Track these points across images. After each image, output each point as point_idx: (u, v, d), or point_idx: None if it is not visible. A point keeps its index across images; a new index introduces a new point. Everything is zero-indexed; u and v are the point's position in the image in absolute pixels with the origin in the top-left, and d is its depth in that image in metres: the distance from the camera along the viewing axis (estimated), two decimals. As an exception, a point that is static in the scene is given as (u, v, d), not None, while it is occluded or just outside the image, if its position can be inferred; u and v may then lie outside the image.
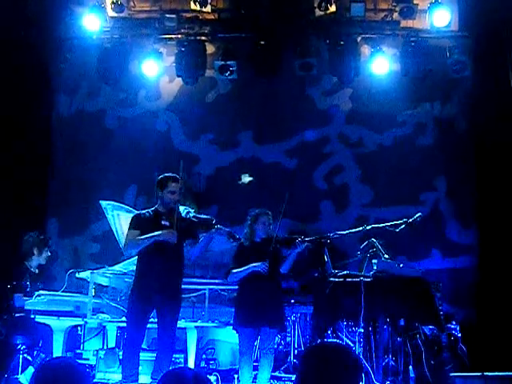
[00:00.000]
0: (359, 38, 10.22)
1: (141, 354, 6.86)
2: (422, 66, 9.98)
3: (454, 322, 8.41)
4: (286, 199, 7.21)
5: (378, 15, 10.21)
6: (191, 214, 6.95)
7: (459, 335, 8.19)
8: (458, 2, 10.06)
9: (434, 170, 10.38)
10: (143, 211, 7.06)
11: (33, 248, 8.29)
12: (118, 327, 8.04)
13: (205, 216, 6.97)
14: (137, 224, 6.87)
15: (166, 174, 6.94)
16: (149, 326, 6.92)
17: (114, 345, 8.15)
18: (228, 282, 7.34)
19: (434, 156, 10.41)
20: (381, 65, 10.11)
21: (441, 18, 9.86)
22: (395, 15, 10.00)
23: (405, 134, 10.54)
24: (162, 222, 6.78)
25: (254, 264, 6.93)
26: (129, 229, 6.94)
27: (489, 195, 9.80)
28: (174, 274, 6.81)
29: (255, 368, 7.19)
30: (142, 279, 6.72)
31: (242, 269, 7.00)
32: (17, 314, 7.73)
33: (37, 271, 8.38)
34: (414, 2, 9.84)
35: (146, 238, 6.69)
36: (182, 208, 7.04)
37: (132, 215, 7.20)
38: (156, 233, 6.69)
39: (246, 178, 10.45)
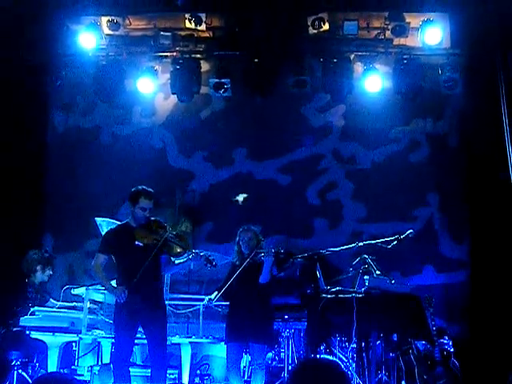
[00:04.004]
0: (352, 56, 10.31)
1: (134, 370, 6.91)
2: (415, 84, 10.09)
3: (446, 337, 8.44)
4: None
5: (371, 33, 10.30)
6: (172, 233, 6.89)
7: (452, 350, 8.23)
8: (450, 20, 10.15)
9: (426, 185, 10.45)
10: (115, 228, 7.06)
11: (36, 265, 8.38)
12: (113, 343, 8.06)
13: (181, 242, 6.92)
14: (107, 246, 6.87)
15: (139, 188, 6.86)
16: (142, 341, 6.97)
17: (108, 361, 8.17)
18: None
19: (427, 172, 10.48)
20: (374, 82, 10.21)
21: (433, 36, 9.99)
22: (388, 33, 10.12)
23: (398, 151, 10.61)
24: (136, 243, 6.72)
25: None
26: (98, 249, 6.94)
27: (481, 211, 9.85)
28: (154, 289, 6.82)
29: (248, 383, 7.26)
30: None
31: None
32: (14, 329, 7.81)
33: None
34: (407, 20, 9.96)
35: (102, 281, 6.96)
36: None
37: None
38: (109, 287, 6.80)
39: (240, 197, 10.49)
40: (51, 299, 8.29)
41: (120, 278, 6.81)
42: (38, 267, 8.40)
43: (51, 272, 8.56)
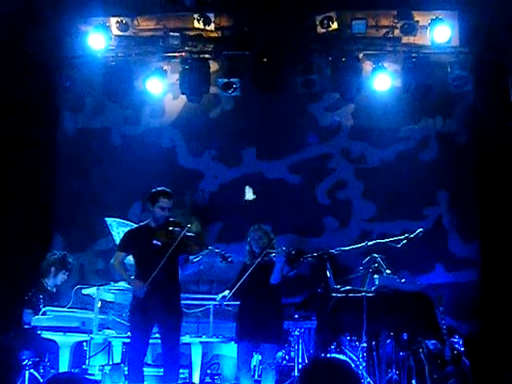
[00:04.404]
0: (361, 55, 10.29)
1: (145, 369, 6.93)
2: (424, 82, 10.03)
3: (457, 336, 8.43)
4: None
5: (380, 32, 10.26)
6: (188, 232, 6.95)
7: (462, 349, 8.22)
8: (459, 18, 10.11)
9: (436, 184, 10.42)
10: (135, 228, 7.17)
11: (51, 267, 8.44)
12: (124, 343, 8.10)
13: (198, 240, 7.02)
14: (126, 245, 7.01)
15: (158, 189, 7.01)
16: (153, 341, 6.99)
17: (119, 360, 8.20)
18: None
19: (437, 170, 10.44)
20: (382, 81, 10.16)
21: (441, 34, 9.92)
22: (396, 32, 10.07)
23: (407, 149, 10.58)
24: (154, 242, 6.83)
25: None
26: (117, 248, 7.06)
27: (491, 209, 9.83)
28: (171, 289, 6.86)
29: (258, 383, 7.27)
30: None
31: None
32: (25, 326, 7.86)
33: (54, 290, 8.52)
34: (415, 18, 9.91)
35: (122, 276, 7.03)
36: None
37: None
38: (129, 280, 6.90)
39: (250, 195, 10.50)
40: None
41: (138, 277, 6.86)
42: (52, 269, 8.48)
43: (66, 277, 8.62)
